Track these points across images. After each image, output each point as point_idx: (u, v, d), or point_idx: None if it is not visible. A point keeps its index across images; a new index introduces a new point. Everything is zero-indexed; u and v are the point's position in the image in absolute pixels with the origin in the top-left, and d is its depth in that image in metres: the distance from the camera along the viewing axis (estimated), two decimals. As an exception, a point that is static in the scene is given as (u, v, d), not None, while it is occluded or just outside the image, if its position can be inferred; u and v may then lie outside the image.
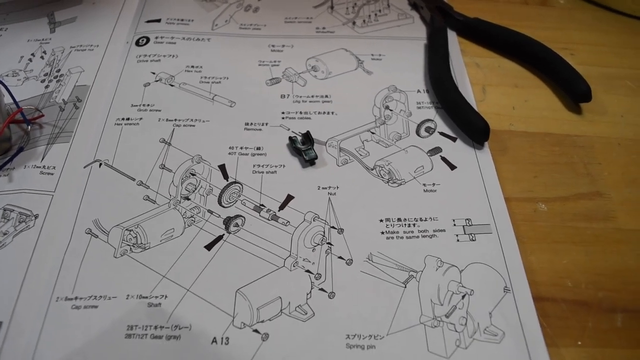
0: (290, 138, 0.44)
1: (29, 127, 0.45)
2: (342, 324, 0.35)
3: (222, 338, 0.34)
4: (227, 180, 0.42)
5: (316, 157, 0.43)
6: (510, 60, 0.53)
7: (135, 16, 0.56)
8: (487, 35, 0.54)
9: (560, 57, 0.50)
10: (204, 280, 0.37)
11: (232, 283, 0.37)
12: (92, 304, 0.35)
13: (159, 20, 0.55)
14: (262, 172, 0.43)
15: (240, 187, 0.42)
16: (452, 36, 0.55)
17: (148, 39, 0.53)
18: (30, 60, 0.52)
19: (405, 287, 0.37)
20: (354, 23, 0.56)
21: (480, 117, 0.44)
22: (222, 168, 0.43)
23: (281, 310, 0.36)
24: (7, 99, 0.45)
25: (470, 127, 0.45)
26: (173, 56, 0.52)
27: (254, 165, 0.43)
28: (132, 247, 0.38)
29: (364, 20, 0.56)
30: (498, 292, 0.37)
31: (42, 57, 0.52)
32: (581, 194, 0.43)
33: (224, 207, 0.41)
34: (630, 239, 0.41)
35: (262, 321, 0.35)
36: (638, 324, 0.37)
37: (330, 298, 0.36)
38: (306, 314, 0.35)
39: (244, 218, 0.40)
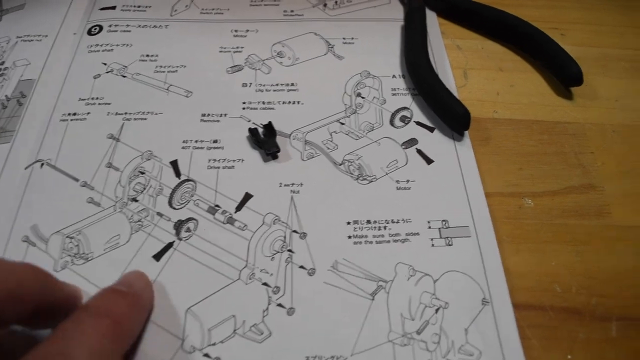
0: (250, 130, 0.40)
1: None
2: (301, 344, 0.31)
3: (168, 365, 0.30)
4: (179, 178, 0.38)
5: (278, 151, 0.39)
6: (494, 42, 0.49)
7: (89, 3, 0.51)
8: (470, 15, 0.49)
9: (549, 38, 0.46)
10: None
11: (182, 300, 0.33)
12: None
13: (114, 8, 0.51)
14: (218, 168, 0.39)
15: (194, 185, 0.38)
16: (431, 17, 0.50)
17: (101, 28, 0.49)
18: (-28, 52, 0.48)
19: (373, 299, 0.33)
20: (325, 5, 0.51)
21: (459, 104, 0.40)
22: (174, 164, 0.39)
23: (235, 330, 0.32)
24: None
25: (449, 115, 0.40)
26: (127, 45, 0.47)
27: (209, 160, 0.39)
28: (73, 257, 0.34)
29: (335, 2, 0.51)
30: (475, 304, 0.33)
31: (-16, 49, 0.48)
32: (572, 187, 0.39)
33: (175, 209, 0.37)
34: (627, 236, 0.37)
35: (214, 344, 0.31)
36: (635, 333, 0.33)
37: (289, 315, 0.32)
38: (262, 333, 0.32)
39: (197, 221, 0.36)
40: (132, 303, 0.30)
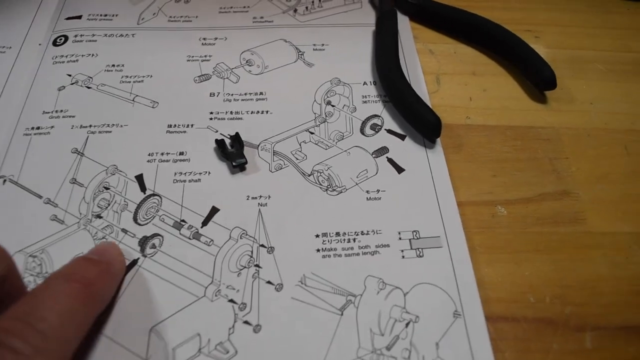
0: (216, 141, 0.39)
1: None
2: (267, 362, 0.30)
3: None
4: (145, 193, 0.37)
5: (246, 162, 0.38)
6: (467, 46, 0.48)
7: (55, 13, 0.50)
8: (442, 19, 0.49)
9: (521, 41, 0.45)
10: (115, 316, 0.32)
11: (145, 319, 0.32)
12: None
13: (80, 17, 0.49)
14: (185, 181, 0.38)
15: (159, 200, 0.37)
16: (404, 21, 0.49)
17: (66, 38, 0.47)
18: None
19: (342, 314, 0.32)
20: (295, 11, 0.50)
21: (430, 111, 0.39)
22: (140, 178, 0.38)
23: (200, 349, 0.31)
24: None
25: (420, 122, 0.40)
26: (92, 55, 0.46)
27: (175, 174, 0.38)
28: (36, 277, 0.33)
29: (306, 7, 0.50)
30: (447, 317, 0.32)
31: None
32: (546, 193, 0.38)
33: (139, 224, 0.36)
34: (601, 243, 0.36)
35: (177, 364, 0.30)
36: (610, 343, 0.32)
37: (255, 332, 0.31)
38: (227, 352, 0.31)
39: (162, 237, 0.35)
40: (104, 270, 0.31)
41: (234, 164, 0.38)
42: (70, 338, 0.27)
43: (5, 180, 0.38)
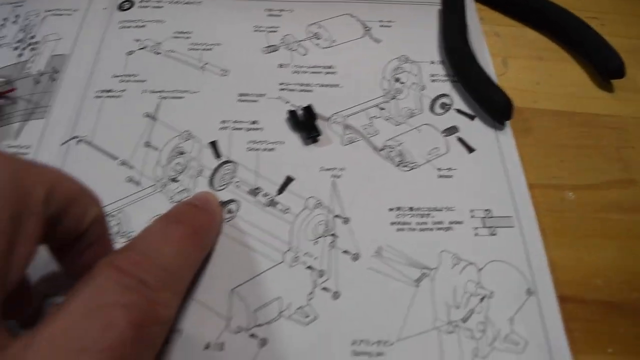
0: (290, 112, 0.39)
1: (1, 101, 0.40)
2: (347, 328, 0.31)
3: (216, 343, 0.30)
4: (219, 159, 0.38)
5: (319, 134, 0.38)
6: (533, 30, 0.48)
7: (119, -24, 0.50)
8: (509, 2, 0.49)
9: (590, 28, 0.45)
10: (196, 277, 0.32)
11: (226, 281, 0.33)
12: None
13: (145, -18, 0.50)
14: (258, 150, 0.38)
15: (234, 166, 0.37)
16: (469, 1, 0.49)
17: (132, 3, 0.48)
18: (2, 25, 0.47)
19: (418, 286, 0.33)
20: (361, -15, 0.50)
21: (502, 93, 0.39)
22: (214, 145, 0.39)
23: (280, 312, 0.32)
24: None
25: (491, 103, 0.40)
26: (159, 22, 0.47)
27: (248, 142, 0.39)
28: (114, 236, 0.34)
29: (372, -17, 0.50)
30: (520, 294, 0.33)
31: (14, 22, 0.47)
32: (613, 181, 0.39)
33: (216, 190, 0.36)
34: (668, 232, 0.37)
35: (260, 325, 0.31)
36: (676, 327, 0.33)
37: (334, 299, 0.32)
38: (308, 316, 0.31)
39: (239, 203, 0.36)
40: (209, 219, 0.32)
41: (308, 136, 0.38)
42: (185, 277, 0.28)
43: (79, 141, 0.38)
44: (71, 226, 0.26)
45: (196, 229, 0.29)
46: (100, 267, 0.24)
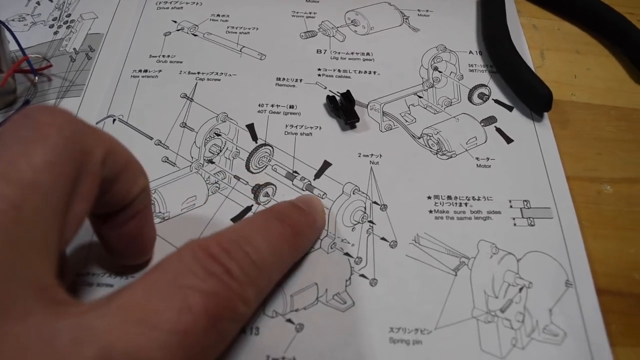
0: (328, 97, 0.39)
1: (36, 77, 0.40)
2: (385, 315, 0.31)
3: (252, 328, 0.30)
4: (256, 142, 0.38)
5: (358, 120, 0.38)
6: (570, 24, 0.48)
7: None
8: (547, -6, 0.48)
9: (628, 22, 0.45)
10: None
11: (262, 265, 0.32)
12: (107, 283, 0.31)
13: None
14: (296, 134, 0.38)
15: (271, 150, 0.37)
16: (506, -7, 0.49)
17: (170, -16, 0.48)
18: (38, 3, 0.47)
19: (456, 275, 0.33)
20: (398, -26, 0.50)
21: (542, 83, 0.39)
22: (251, 128, 0.39)
23: (317, 298, 0.31)
24: (12, 46, 0.41)
25: (531, 95, 0.40)
26: (197, 4, 0.47)
27: (286, 126, 0.39)
28: (149, 216, 0.34)
29: (409, -29, 0.50)
30: (559, 286, 0.32)
31: (50, 0, 0.47)
32: (651, 176, 0.38)
33: (252, 172, 0.36)
34: None
35: (297, 310, 0.31)
36: None
37: (372, 285, 0.32)
38: (345, 303, 0.31)
39: (275, 187, 0.36)
40: (310, 222, 0.31)
41: (347, 121, 0.38)
42: (273, 278, 0.27)
43: (115, 120, 0.39)
44: (121, 193, 0.26)
45: (296, 231, 0.28)
46: (190, 246, 0.23)
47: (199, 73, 0.42)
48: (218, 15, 0.46)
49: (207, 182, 0.36)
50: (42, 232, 0.20)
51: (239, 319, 0.24)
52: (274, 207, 0.30)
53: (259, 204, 0.35)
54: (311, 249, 0.33)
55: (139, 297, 0.20)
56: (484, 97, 0.41)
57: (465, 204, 0.35)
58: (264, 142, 0.38)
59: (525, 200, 0.36)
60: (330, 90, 0.41)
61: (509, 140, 0.39)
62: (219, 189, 0.36)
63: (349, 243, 0.33)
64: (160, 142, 0.38)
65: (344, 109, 0.39)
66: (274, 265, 0.26)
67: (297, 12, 0.46)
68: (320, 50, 0.44)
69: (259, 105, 0.40)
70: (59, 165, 0.20)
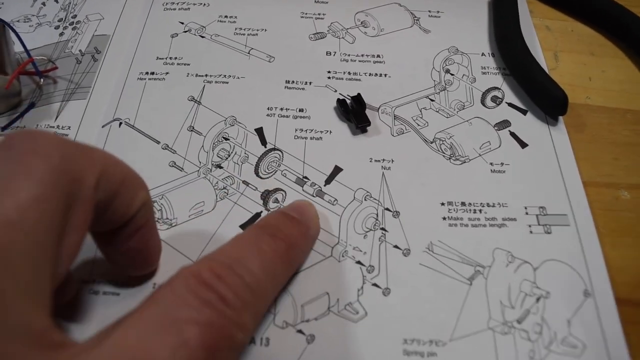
0: (338, 100, 0.39)
1: (42, 80, 0.40)
2: (398, 326, 0.30)
3: (262, 338, 0.29)
4: (265, 147, 0.37)
5: (369, 124, 0.37)
6: (584, 25, 0.47)
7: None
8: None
9: (644, 23, 0.44)
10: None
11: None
12: (113, 291, 0.31)
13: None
14: (306, 138, 0.38)
15: (280, 154, 0.37)
16: (519, -7, 0.48)
17: (176, -16, 0.47)
18: (43, 4, 0.46)
19: (471, 284, 0.32)
20: (408, -26, 0.49)
21: (557, 87, 0.38)
22: (260, 132, 0.38)
23: (329, 308, 0.31)
24: (17, 47, 0.40)
25: (546, 97, 0.39)
26: (204, 5, 0.46)
27: (295, 130, 0.38)
28: (157, 222, 0.33)
29: (420, -28, 0.49)
30: (577, 295, 0.32)
31: (56, 1, 0.46)
32: (668, 182, 0.38)
33: (261, 178, 0.36)
34: None
35: (307, 320, 0.30)
36: None
37: (385, 295, 0.31)
38: (357, 313, 0.30)
39: (285, 192, 0.35)
40: (304, 232, 0.30)
41: (358, 125, 0.37)
42: (269, 298, 0.26)
43: (121, 123, 0.38)
44: (120, 211, 0.25)
45: (289, 245, 0.27)
46: (182, 274, 0.22)
47: (206, 75, 0.41)
48: (226, 16, 0.45)
49: (216, 187, 0.35)
50: (32, 274, 0.18)
51: (237, 347, 0.23)
52: (265, 220, 0.29)
53: (268, 210, 0.34)
54: (322, 257, 0.32)
55: (132, 336, 0.19)
56: (497, 100, 0.40)
57: (480, 211, 0.35)
58: (273, 147, 0.37)
59: (542, 207, 0.35)
60: (340, 94, 0.40)
61: (523, 144, 0.38)
62: (227, 194, 0.35)
63: (360, 251, 0.33)
64: (168, 146, 0.37)
65: (354, 113, 0.38)
66: (269, 285, 0.25)
67: (306, 13, 0.45)
68: (330, 52, 0.43)
69: (268, 108, 0.39)
70: (47, 200, 0.19)
